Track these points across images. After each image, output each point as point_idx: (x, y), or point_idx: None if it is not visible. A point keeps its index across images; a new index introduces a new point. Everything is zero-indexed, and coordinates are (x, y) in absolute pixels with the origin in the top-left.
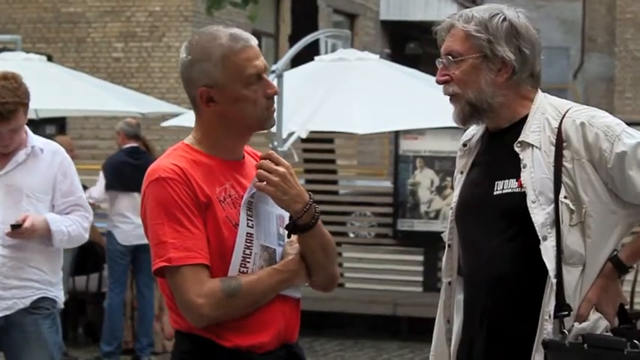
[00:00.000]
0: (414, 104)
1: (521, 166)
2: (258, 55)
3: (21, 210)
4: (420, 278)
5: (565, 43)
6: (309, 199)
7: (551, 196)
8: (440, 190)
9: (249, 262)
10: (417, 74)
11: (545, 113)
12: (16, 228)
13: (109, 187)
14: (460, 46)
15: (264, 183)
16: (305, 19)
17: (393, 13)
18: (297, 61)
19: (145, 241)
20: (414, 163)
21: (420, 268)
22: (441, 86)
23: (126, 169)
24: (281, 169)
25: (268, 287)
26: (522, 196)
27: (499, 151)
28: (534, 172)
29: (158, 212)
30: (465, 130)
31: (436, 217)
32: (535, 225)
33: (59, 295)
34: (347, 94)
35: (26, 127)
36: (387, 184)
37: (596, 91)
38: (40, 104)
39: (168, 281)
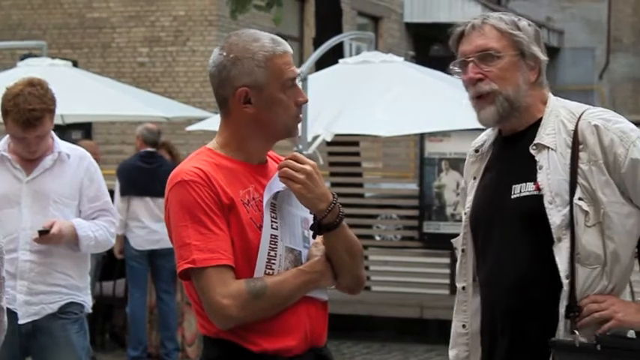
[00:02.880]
0: (438, 106)
1: (537, 167)
2: (292, 62)
3: (48, 215)
4: (447, 281)
5: (590, 43)
6: (334, 198)
7: (567, 197)
8: None
9: (274, 263)
10: (441, 76)
11: (560, 116)
12: (44, 234)
13: (123, 192)
14: (497, 43)
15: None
16: (329, 22)
17: (417, 15)
18: (321, 64)
19: (160, 246)
20: (439, 165)
21: (447, 271)
22: (465, 87)
23: (138, 173)
24: (307, 167)
25: (294, 288)
26: (540, 198)
27: (514, 155)
28: (551, 173)
29: (182, 215)
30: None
31: (462, 219)
32: (552, 226)
33: (87, 300)
34: (371, 97)
35: (52, 133)
36: (412, 187)
37: (623, 92)
38: (66, 110)
39: (194, 283)
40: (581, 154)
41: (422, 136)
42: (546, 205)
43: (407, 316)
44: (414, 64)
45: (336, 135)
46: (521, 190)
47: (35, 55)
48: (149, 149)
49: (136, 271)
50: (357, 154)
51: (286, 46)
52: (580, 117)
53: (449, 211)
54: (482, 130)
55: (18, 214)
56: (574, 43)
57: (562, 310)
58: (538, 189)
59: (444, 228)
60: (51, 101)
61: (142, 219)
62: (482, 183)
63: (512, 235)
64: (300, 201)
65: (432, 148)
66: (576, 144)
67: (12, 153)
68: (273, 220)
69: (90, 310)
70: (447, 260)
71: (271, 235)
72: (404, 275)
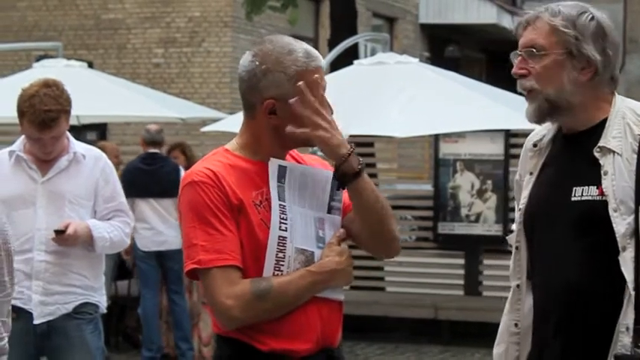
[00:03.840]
0: (453, 108)
1: (602, 172)
2: (323, 75)
3: (63, 216)
4: (461, 282)
5: None
6: (352, 147)
7: (632, 205)
8: (480, 194)
9: (282, 264)
10: (456, 77)
11: (626, 118)
12: (60, 234)
13: (127, 194)
14: (545, 40)
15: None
16: (344, 23)
17: (432, 17)
18: (336, 65)
19: (166, 248)
20: (454, 166)
21: (461, 272)
22: (482, 89)
23: (139, 175)
24: (325, 113)
25: (301, 289)
26: (603, 204)
27: (576, 155)
28: (616, 179)
29: (190, 216)
30: (505, 133)
31: (477, 220)
32: (617, 235)
33: (101, 300)
34: (386, 98)
35: (68, 134)
36: (427, 188)
37: (639, 92)
38: (82, 110)
39: (201, 283)
40: None
41: (437, 137)
42: (611, 212)
43: (421, 316)
44: (429, 65)
45: (351, 136)
46: (583, 193)
47: (51, 57)
48: (151, 150)
49: (145, 271)
50: (371, 155)
51: (320, 61)
52: None
53: (464, 212)
54: (496, 131)
55: (33, 214)
56: None
57: (627, 321)
58: (602, 194)
59: (459, 229)
60: (66, 102)
61: (148, 220)
62: (540, 179)
63: (569, 237)
64: (320, 147)
65: (446, 149)
66: None
67: (27, 153)
68: (282, 221)
69: (104, 311)
70: (461, 261)
71: (279, 236)
72: (418, 276)
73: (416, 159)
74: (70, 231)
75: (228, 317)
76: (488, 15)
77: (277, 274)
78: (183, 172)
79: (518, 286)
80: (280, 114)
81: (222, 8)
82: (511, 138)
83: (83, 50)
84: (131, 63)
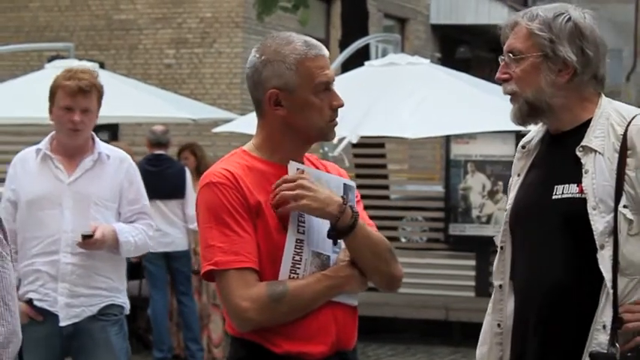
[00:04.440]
0: (464, 108)
1: (583, 171)
2: (328, 65)
3: (89, 218)
4: (472, 283)
5: (617, 45)
6: (344, 201)
7: (612, 204)
8: (491, 195)
9: (299, 268)
10: (467, 78)
11: (610, 119)
12: (87, 237)
13: None
14: (522, 44)
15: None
16: (355, 24)
17: (443, 17)
18: (347, 66)
19: (172, 249)
20: (465, 167)
21: (472, 273)
22: (493, 90)
23: (145, 176)
24: (299, 181)
25: (316, 293)
26: (582, 202)
27: (560, 155)
28: (596, 178)
29: (208, 217)
30: (516, 134)
31: (488, 221)
32: (594, 233)
33: (126, 301)
34: (397, 99)
35: (93, 134)
36: (438, 189)
37: None
38: None
39: (217, 285)
40: (629, 160)
41: (448, 138)
42: (589, 210)
43: (432, 318)
44: (440, 66)
45: (362, 137)
46: (564, 191)
47: (62, 57)
48: (156, 152)
49: (153, 273)
50: (382, 155)
51: (321, 50)
52: (631, 121)
53: (474, 213)
54: (508, 132)
55: (60, 215)
56: None
57: (604, 319)
58: (581, 192)
59: (470, 230)
60: (99, 85)
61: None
62: (527, 180)
63: (551, 236)
64: (311, 214)
65: (457, 150)
66: (624, 149)
67: (54, 152)
68: (300, 224)
69: (129, 312)
70: (472, 262)
71: (297, 239)
72: (429, 277)
73: (427, 160)
74: (97, 235)
75: (243, 319)
76: (498, 15)
77: (293, 277)
78: (189, 174)
79: (500, 286)
80: (285, 104)
81: (233, 9)
82: (522, 139)
83: (95, 51)
84: (142, 64)
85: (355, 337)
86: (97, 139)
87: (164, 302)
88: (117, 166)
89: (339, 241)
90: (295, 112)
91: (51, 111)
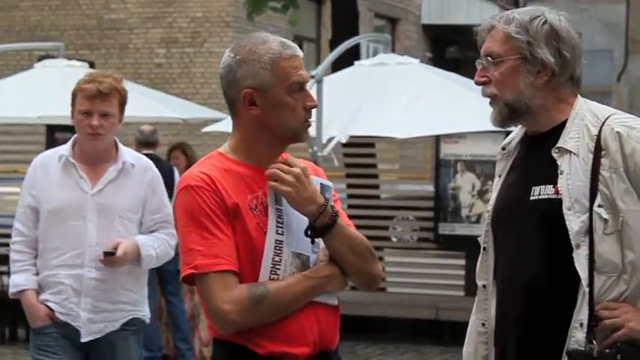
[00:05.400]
0: (454, 108)
1: (559, 172)
2: (302, 66)
3: (113, 231)
4: (462, 282)
5: (608, 45)
6: (325, 201)
7: (587, 204)
8: (481, 194)
9: (279, 268)
10: (456, 78)
11: (585, 119)
12: (109, 255)
13: None
14: (499, 48)
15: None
16: (346, 24)
17: (434, 17)
18: (338, 66)
19: None
20: (454, 167)
21: (462, 272)
22: (481, 90)
23: None
24: (295, 169)
25: (297, 294)
26: (558, 202)
27: (537, 156)
28: (571, 179)
29: (186, 220)
30: (505, 133)
31: (477, 221)
32: (570, 233)
33: (146, 312)
34: (387, 99)
35: (117, 141)
36: (429, 188)
37: None
38: None
39: (198, 288)
40: (603, 161)
41: (437, 138)
42: (565, 210)
43: (422, 317)
44: (430, 66)
45: (352, 137)
46: (540, 192)
47: (53, 57)
48: (144, 151)
49: None
50: (372, 155)
51: (296, 50)
52: (604, 122)
53: (464, 212)
54: (497, 131)
55: (83, 227)
56: (592, 45)
57: (581, 317)
58: (557, 193)
59: (460, 229)
60: (123, 90)
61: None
62: (507, 182)
63: (529, 237)
64: (289, 203)
65: (447, 150)
66: (598, 150)
67: (77, 159)
68: (279, 225)
69: (148, 321)
70: (462, 262)
71: (276, 240)
72: (419, 276)
73: (418, 160)
74: (119, 253)
75: (225, 322)
76: (490, 15)
77: (274, 278)
78: (177, 174)
79: (484, 286)
80: (260, 104)
81: (223, 8)
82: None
83: (85, 50)
84: (133, 63)
85: (337, 336)
86: (120, 146)
87: (151, 302)
88: (141, 177)
89: (318, 241)
90: (269, 112)
91: (72, 115)
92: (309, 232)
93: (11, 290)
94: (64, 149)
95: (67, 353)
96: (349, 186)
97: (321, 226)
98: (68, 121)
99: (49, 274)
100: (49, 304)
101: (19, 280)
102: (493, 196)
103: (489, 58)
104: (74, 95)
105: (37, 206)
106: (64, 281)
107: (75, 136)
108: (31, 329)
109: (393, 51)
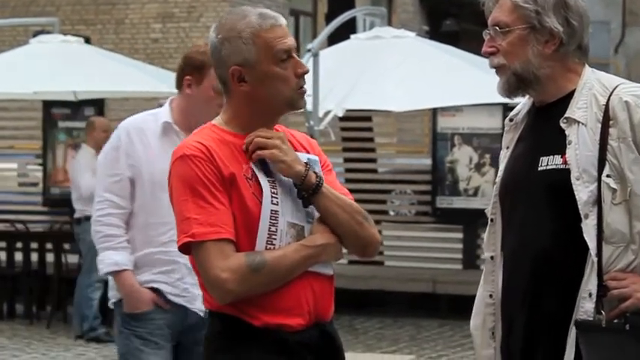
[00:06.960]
0: (450, 81)
1: (567, 142)
2: (287, 34)
3: None
4: (460, 256)
5: (605, 17)
6: (306, 164)
7: (595, 174)
8: (478, 167)
9: (275, 238)
10: (453, 51)
11: (593, 89)
12: None
13: None
14: (507, 17)
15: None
16: None
17: None
18: (334, 39)
19: None
20: (452, 140)
21: (460, 246)
22: (478, 63)
23: None
24: (275, 134)
25: (294, 263)
26: (566, 172)
27: (545, 127)
28: (579, 149)
29: (182, 189)
30: (503, 106)
31: (475, 194)
32: (578, 202)
33: None
34: (383, 72)
35: None
36: (426, 162)
37: (638, 65)
38: (79, 86)
39: (194, 257)
40: (611, 130)
41: (434, 111)
42: (573, 180)
43: (419, 290)
44: (426, 39)
45: (349, 110)
46: (548, 162)
47: (48, 32)
48: None
49: None
50: (369, 129)
51: (277, 20)
52: (612, 92)
53: (462, 186)
54: (494, 104)
55: None
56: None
57: (589, 287)
58: (565, 163)
59: (457, 203)
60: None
61: None
62: (514, 153)
63: (537, 207)
64: (277, 167)
65: (444, 123)
66: (607, 120)
67: (179, 126)
68: (273, 195)
69: None
70: (459, 235)
71: (272, 210)
72: (417, 250)
73: (415, 133)
74: None
75: (223, 290)
76: None
77: (270, 248)
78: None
79: (492, 257)
80: (249, 79)
81: None
82: (509, 112)
83: (81, 25)
84: (129, 38)
85: (332, 307)
86: None
87: None
88: None
89: (312, 211)
90: (260, 86)
91: (190, 84)
92: (300, 194)
93: (108, 269)
94: (164, 114)
95: (167, 345)
96: (346, 160)
97: (309, 186)
98: (64, 97)
99: (154, 251)
100: (157, 285)
101: (118, 259)
102: (501, 167)
103: (497, 28)
104: (205, 67)
105: (134, 177)
106: (178, 259)
107: (170, 99)
108: (122, 315)
109: (390, 24)
